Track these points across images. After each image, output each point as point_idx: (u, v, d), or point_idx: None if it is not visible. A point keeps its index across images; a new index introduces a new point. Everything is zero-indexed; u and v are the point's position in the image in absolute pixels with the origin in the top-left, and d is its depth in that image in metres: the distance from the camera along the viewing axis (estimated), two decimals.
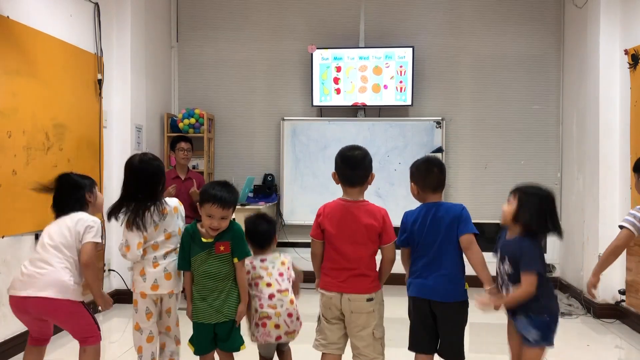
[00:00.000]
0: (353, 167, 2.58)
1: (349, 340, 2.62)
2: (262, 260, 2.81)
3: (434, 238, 2.57)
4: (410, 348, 2.66)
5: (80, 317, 2.64)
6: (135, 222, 2.61)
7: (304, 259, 3.80)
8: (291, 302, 2.77)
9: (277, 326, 2.72)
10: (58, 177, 2.74)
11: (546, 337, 2.49)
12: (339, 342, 2.60)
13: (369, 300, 2.54)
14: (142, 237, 2.63)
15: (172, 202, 2.77)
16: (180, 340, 2.86)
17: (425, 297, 2.57)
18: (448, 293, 2.55)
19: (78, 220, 2.62)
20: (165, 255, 2.68)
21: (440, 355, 2.64)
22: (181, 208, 2.81)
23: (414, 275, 2.62)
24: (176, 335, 2.81)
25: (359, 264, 2.53)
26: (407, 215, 2.68)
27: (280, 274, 2.80)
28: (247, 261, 2.74)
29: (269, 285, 2.75)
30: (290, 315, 2.75)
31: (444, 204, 2.66)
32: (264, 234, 2.85)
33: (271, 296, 2.73)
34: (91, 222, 2.63)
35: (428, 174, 2.65)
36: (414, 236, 2.61)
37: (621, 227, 2.76)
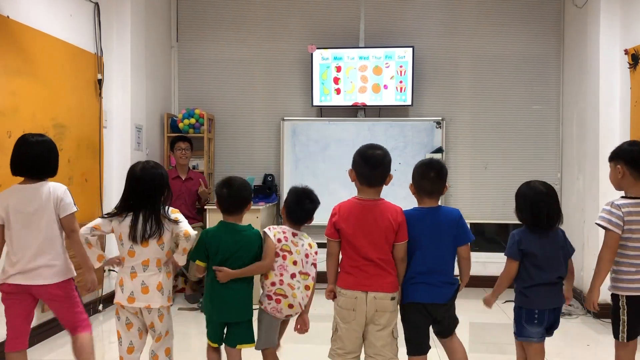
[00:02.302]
0: (374, 166, 2.52)
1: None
2: (293, 235, 2.76)
3: (437, 244, 2.57)
4: (412, 353, 2.63)
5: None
6: (131, 232, 2.54)
7: None
8: (306, 288, 2.73)
9: (290, 306, 2.69)
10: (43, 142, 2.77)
11: (515, 331, 2.70)
12: (356, 350, 2.53)
13: (393, 299, 2.51)
14: (105, 226, 2.58)
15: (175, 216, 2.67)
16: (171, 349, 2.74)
17: (431, 301, 2.56)
18: (450, 294, 2.60)
19: (48, 197, 2.66)
20: (144, 267, 2.56)
21: (439, 335, 2.69)
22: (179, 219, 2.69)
23: (413, 280, 2.58)
24: (164, 345, 2.66)
25: (379, 262, 2.48)
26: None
27: (307, 255, 2.76)
28: (279, 229, 2.74)
29: (294, 263, 2.71)
30: (303, 299, 2.74)
31: (442, 208, 2.66)
32: (306, 214, 2.79)
33: (293, 275, 2.70)
34: (61, 194, 2.68)
35: (423, 177, 2.63)
36: (410, 240, 2.57)
37: (601, 226, 2.68)
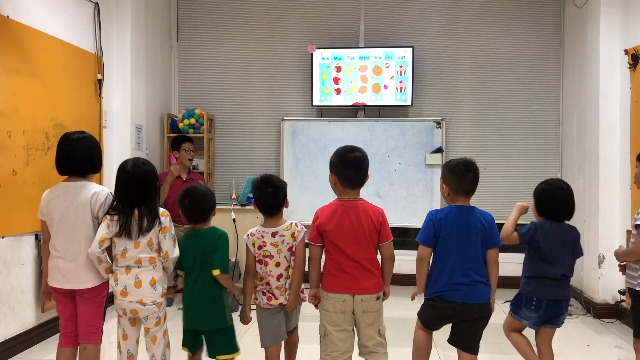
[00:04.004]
0: (358, 168, 2.55)
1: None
2: (273, 235, 2.66)
3: (473, 244, 2.61)
4: (425, 327, 2.74)
5: None
6: (126, 228, 2.54)
7: None
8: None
9: (281, 304, 2.68)
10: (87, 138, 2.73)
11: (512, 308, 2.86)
12: (350, 350, 2.54)
13: (378, 298, 2.53)
14: (109, 233, 2.56)
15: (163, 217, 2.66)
16: None
17: (470, 301, 2.60)
18: (486, 294, 2.63)
19: (89, 199, 2.64)
20: (137, 265, 2.57)
21: (458, 346, 2.69)
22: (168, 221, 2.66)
23: (450, 279, 2.59)
24: (154, 334, 2.63)
25: (364, 263, 2.50)
26: (435, 214, 2.67)
27: (290, 249, 2.67)
28: (257, 234, 2.67)
29: (278, 264, 2.66)
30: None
31: (477, 209, 2.69)
32: (268, 201, 2.68)
33: (279, 276, 2.66)
34: (103, 197, 2.66)
35: (463, 177, 2.66)
36: (445, 237, 2.61)
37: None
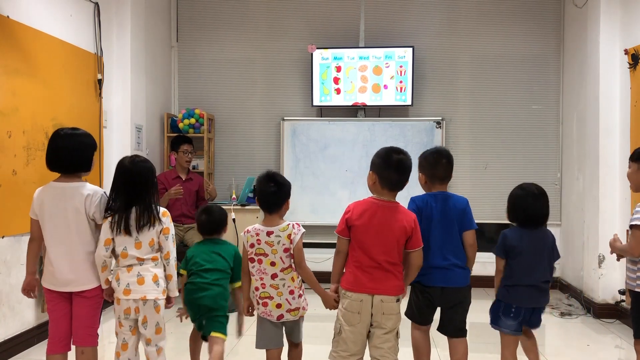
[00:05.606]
0: (401, 172, 2.50)
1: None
2: (268, 234, 2.61)
3: (450, 228, 2.67)
4: (417, 322, 2.79)
5: None
6: (124, 225, 2.52)
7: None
8: (292, 279, 2.63)
9: (278, 305, 2.61)
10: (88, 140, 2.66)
11: (491, 318, 2.80)
12: (360, 352, 2.49)
13: (398, 300, 2.49)
14: (112, 233, 2.53)
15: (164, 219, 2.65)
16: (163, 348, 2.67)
17: (446, 285, 2.66)
18: (463, 278, 2.69)
19: (84, 199, 2.60)
20: (140, 262, 2.55)
21: (445, 333, 2.76)
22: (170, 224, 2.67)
23: (429, 263, 2.63)
24: (157, 345, 2.61)
25: (384, 265, 2.44)
26: (417, 199, 2.73)
27: (286, 250, 2.60)
28: (253, 232, 2.64)
29: (272, 264, 2.61)
30: (292, 292, 2.62)
31: (452, 194, 2.74)
32: (269, 197, 2.65)
33: (274, 276, 2.60)
34: (97, 199, 2.62)
35: (436, 164, 2.74)
36: (426, 222, 2.66)
37: (635, 226, 2.76)
